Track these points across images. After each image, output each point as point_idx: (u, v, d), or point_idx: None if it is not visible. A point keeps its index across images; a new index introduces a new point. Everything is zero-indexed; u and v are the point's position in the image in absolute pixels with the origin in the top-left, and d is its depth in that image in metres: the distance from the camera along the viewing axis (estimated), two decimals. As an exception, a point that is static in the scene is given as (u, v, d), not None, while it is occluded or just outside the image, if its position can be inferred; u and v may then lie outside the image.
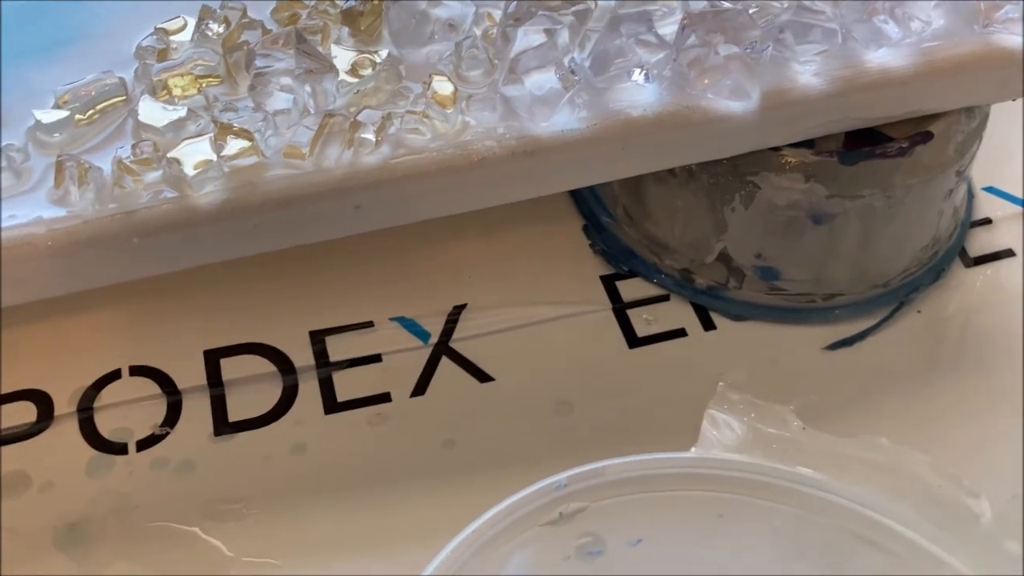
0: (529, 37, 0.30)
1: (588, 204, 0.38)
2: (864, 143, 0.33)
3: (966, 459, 0.28)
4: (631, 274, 0.37)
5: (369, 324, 0.36)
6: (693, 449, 0.27)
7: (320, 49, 0.31)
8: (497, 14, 0.32)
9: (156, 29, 0.32)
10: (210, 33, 0.32)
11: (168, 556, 0.30)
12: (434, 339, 0.35)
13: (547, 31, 0.30)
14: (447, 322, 0.36)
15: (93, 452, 0.32)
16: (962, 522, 0.25)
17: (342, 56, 0.31)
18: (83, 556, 0.30)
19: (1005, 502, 0.26)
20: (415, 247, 0.38)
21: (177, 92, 0.31)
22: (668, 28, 0.32)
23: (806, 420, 0.29)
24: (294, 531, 0.31)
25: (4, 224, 0.28)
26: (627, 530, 0.27)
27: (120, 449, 0.32)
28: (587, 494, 0.26)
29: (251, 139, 0.29)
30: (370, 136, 0.29)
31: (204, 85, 0.31)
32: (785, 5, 0.31)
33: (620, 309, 0.36)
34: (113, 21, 0.33)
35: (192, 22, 0.32)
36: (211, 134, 0.29)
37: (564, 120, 0.30)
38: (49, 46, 0.33)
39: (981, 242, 0.38)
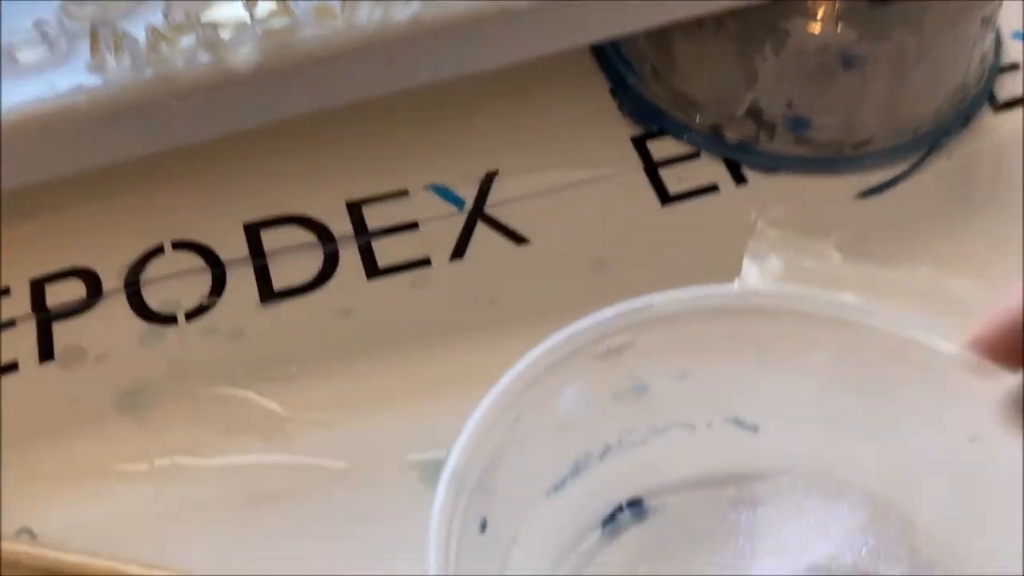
0: None
1: (614, 65, 0.38)
2: (893, -16, 0.33)
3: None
4: (661, 133, 0.37)
5: (404, 193, 0.36)
6: (736, 283, 0.28)
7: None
8: None
9: None
10: None
11: (226, 416, 0.31)
12: (469, 205, 0.36)
13: None
14: (480, 188, 0.36)
15: (144, 324, 0.33)
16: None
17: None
18: (145, 419, 0.31)
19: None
20: (443, 113, 0.38)
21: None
22: None
23: (845, 255, 0.29)
24: (345, 387, 0.32)
25: (46, 94, 0.28)
26: (672, 366, 0.28)
27: (170, 320, 0.33)
28: (634, 329, 0.26)
29: (282, -2, 0.29)
30: (401, -10, 0.29)
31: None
32: None
33: (651, 168, 0.37)
34: None
35: None
36: (241, -5, 0.29)
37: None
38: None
39: (1010, 87, 0.38)
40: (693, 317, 0.27)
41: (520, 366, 0.25)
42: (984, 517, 0.27)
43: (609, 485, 0.29)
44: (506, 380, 0.25)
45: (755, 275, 0.27)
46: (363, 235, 0.35)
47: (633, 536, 0.29)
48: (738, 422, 0.29)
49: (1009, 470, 0.26)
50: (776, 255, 0.28)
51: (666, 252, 0.35)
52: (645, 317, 0.26)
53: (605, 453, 0.29)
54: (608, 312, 0.26)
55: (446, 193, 0.36)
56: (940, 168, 0.36)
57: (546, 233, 0.35)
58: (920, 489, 0.28)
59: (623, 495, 0.29)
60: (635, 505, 0.29)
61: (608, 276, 0.34)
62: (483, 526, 0.24)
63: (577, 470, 0.28)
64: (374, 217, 0.36)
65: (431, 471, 0.28)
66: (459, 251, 0.35)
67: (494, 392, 0.24)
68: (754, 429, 0.29)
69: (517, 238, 0.35)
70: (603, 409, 0.28)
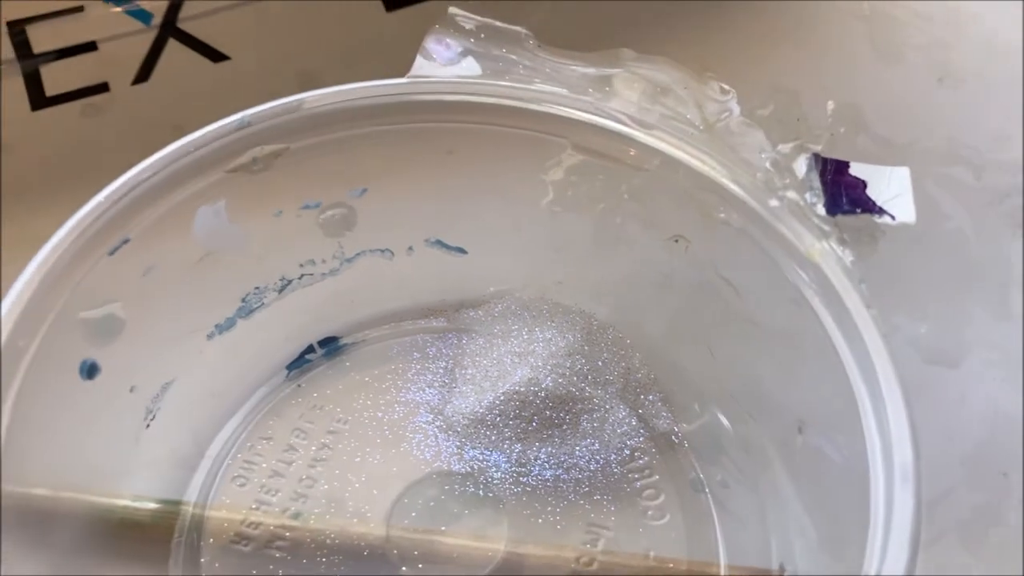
0: None
1: None
2: None
3: (719, 62, 0.25)
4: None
5: (78, 9, 0.31)
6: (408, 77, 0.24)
7: None
8: None
9: None
10: None
11: None
12: (157, 20, 0.31)
13: None
14: (171, 1, 0.31)
15: None
16: (708, 121, 0.23)
17: None
18: None
19: (759, 99, 0.23)
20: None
21: None
22: None
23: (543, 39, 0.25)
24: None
25: None
26: (346, 178, 0.24)
27: None
28: (283, 133, 0.22)
29: None
30: None
31: None
32: None
33: (372, -30, 0.32)
34: None
35: None
36: None
37: None
38: None
39: None
40: (357, 118, 0.23)
41: (114, 185, 0.21)
42: (709, 335, 0.24)
43: (295, 323, 0.25)
44: (97, 199, 0.20)
45: (433, 68, 0.23)
46: (28, 59, 0.30)
47: (323, 377, 0.25)
48: (442, 245, 0.26)
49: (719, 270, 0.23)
50: (461, 44, 0.24)
51: (386, 60, 0.30)
52: (295, 118, 0.22)
53: (284, 288, 0.25)
54: (245, 113, 0.22)
55: (130, 7, 0.31)
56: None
57: (248, 48, 0.31)
58: (639, 306, 0.25)
59: (314, 334, 0.26)
60: (328, 344, 0.26)
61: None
62: (90, 372, 0.21)
63: (248, 308, 0.25)
64: (41, 38, 0.30)
65: (102, 328, 0.23)
66: (144, 73, 0.30)
67: (75, 218, 0.20)
68: (462, 252, 0.26)
69: (214, 55, 0.31)
70: (265, 234, 0.24)
